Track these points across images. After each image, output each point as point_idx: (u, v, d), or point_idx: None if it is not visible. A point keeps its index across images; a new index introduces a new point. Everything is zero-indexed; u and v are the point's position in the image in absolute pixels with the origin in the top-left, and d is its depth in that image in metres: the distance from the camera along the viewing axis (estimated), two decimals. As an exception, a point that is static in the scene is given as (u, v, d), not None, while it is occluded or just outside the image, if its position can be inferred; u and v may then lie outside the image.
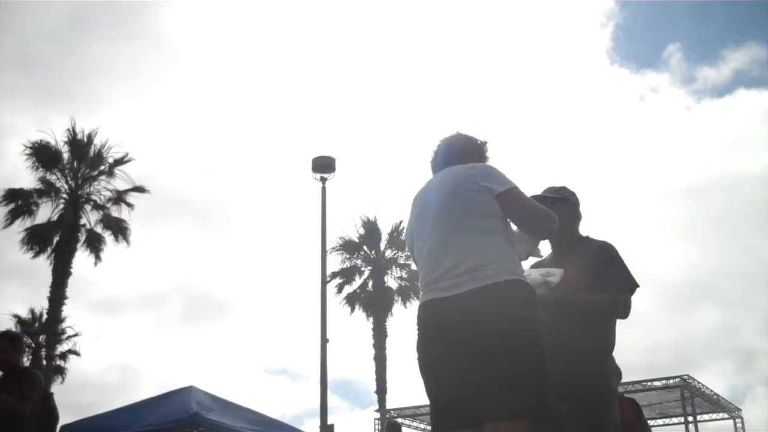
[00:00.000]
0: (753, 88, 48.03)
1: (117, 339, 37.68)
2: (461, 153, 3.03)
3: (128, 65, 36.83)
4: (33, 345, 22.90)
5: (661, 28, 43.25)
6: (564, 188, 3.52)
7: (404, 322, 25.12)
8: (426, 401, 2.90)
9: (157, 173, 39.25)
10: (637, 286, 3.24)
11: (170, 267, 36.36)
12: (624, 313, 3.23)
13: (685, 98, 44.21)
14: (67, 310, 20.56)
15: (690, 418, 18.79)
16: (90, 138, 21.15)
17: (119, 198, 20.97)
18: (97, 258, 20.70)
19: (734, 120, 41.68)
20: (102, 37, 38.23)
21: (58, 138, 20.86)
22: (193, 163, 39.36)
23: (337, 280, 25.31)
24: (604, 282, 3.18)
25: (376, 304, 24.98)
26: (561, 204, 3.36)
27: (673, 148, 40.38)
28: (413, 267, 22.83)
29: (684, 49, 45.58)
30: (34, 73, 35.62)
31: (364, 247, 26.12)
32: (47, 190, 20.58)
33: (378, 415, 22.19)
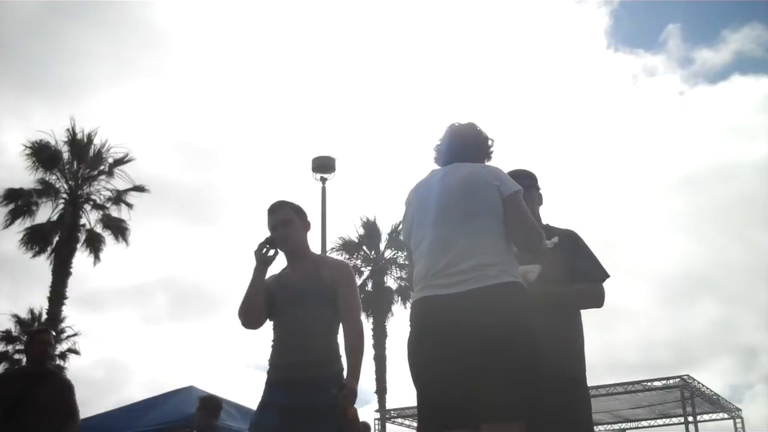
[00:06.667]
0: (750, 73, 47.16)
1: (103, 334, 37.34)
2: (474, 149, 2.99)
3: (114, 53, 36.14)
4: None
5: (661, 6, 42.25)
6: (526, 171, 3.43)
7: (404, 322, 24.90)
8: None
9: (148, 166, 38.92)
10: (608, 275, 3.25)
11: (157, 260, 35.82)
12: (600, 302, 3.25)
13: (679, 84, 43.56)
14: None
15: (690, 419, 18.78)
16: (90, 138, 21.22)
17: (119, 198, 21.02)
18: (97, 258, 20.75)
19: (729, 107, 41.22)
20: (85, 24, 37.88)
21: (57, 138, 20.93)
22: (189, 159, 39.17)
23: (337, 281, 25.27)
24: (578, 272, 3.18)
25: (375, 305, 25.01)
26: (535, 191, 3.36)
27: (668, 135, 39.77)
28: (413, 267, 22.65)
29: (683, 30, 44.82)
30: (13, 61, 35.34)
31: (364, 248, 26.16)
32: (47, 190, 20.61)
33: (378, 415, 22.18)
